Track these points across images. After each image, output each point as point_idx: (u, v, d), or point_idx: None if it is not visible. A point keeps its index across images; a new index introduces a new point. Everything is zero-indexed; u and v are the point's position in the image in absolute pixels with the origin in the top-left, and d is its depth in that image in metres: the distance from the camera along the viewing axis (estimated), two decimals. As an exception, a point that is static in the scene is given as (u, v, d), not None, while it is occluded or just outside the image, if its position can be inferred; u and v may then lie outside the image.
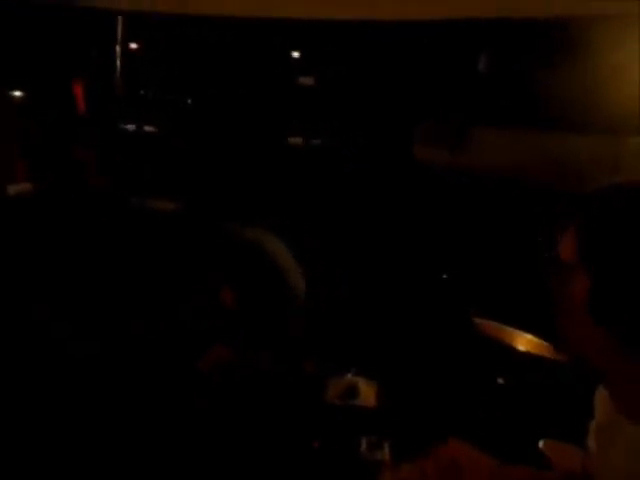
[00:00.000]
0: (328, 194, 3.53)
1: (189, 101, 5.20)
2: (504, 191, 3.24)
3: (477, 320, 1.93)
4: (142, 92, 4.98)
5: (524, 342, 1.81)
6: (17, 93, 3.95)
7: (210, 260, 1.63)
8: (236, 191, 3.69)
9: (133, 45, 5.93)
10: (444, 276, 2.33)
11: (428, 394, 1.77)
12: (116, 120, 4.73)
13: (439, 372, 1.88)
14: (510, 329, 1.86)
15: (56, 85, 3.99)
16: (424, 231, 3.07)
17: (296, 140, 5.90)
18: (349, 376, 1.69)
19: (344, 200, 3.49)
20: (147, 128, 5.22)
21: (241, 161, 4.47)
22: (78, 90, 4.19)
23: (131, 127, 4.90)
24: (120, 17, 4.26)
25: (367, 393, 1.60)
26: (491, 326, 1.87)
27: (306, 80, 6.25)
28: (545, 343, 1.76)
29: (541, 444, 1.79)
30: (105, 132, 4.27)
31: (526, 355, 1.71)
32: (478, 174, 3.25)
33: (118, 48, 4.37)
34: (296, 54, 6.15)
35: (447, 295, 2.29)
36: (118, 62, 4.44)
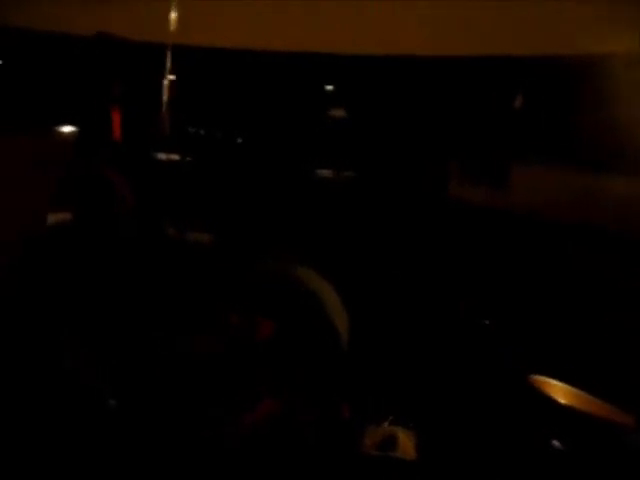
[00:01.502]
0: (360, 227, 3.48)
1: (224, 133, 5.25)
2: (540, 231, 3.16)
3: (533, 378, 1.81)
4: (182, 123, 5.05)
5: (587, 403, 1.66)
6: (65, 129, 4.01)
7: (250, 297, 1.59)
8: (269, 224, 3.67)
9: (172, 77, 6.04)
10: (486, 322, 2.24)
11: (473, 449, 1.68)
12: (152, 148, 4.78)
13: (486, 427, 1.79)
14: (575, 390, 1.73)
15: (96, 114, 4.05)
16: (461, 272, 2.99)
17: (326, 173, 5.90)
18: (386, 425, 1.62)
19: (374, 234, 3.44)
20: (183, 158, 5.27)
21: (273, 193, 4.46)
22: (116, 116, 4.25)
23: (168, 156, 4.95)
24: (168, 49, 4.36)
25: (406, 444, 1.53)
26: (552, 385, 1.74)
27: (338, 112, 6.29)
28: (615, 408, 1.63)
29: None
30: (139, 158, 4.31)
31: (588, 417, 1.58)
32: (515, 213, 3.18)
33: (165, 79, 4.44)
34: (329, 87, 6.21)
35: (490, 344, 2.20)
36: (164, 92, 4.52)
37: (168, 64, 4.25)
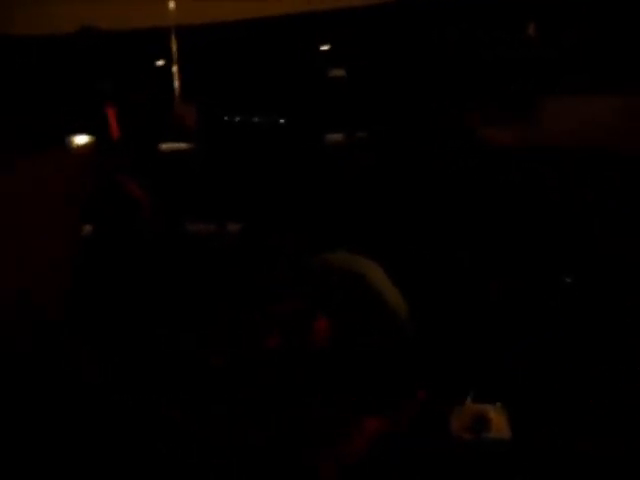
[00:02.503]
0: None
1: (230, 114, 5.07)
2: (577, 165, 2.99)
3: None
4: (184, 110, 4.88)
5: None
6: (79, 140, 3.86)
7: (304, 290, 1.47)
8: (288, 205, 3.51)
9: (160, 62, 5.83)
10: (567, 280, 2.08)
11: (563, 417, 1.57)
12: (155, 141, 4.63)
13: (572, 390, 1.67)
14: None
15: (94, 116, 3.91)
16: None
17: (336, 137, 5.69)
18: (470, 403, 1.50)
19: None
20: (185, 146, 5.11)
21: (287, 169, 4.30)
22: (111, 115, 4.09)
23: (177, 147, 4.79)
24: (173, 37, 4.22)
25: (499, 422, 1.42)
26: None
27: (337, 72, 6.03)
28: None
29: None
30: (141, 154, 4.17)
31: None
32: (549, 146, 3.00)
33: (174, 67, 4.29)
34: (325, 47, 5.95)
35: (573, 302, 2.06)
36: (175, 80, 4.38)
37: (173, 46, 4.08)
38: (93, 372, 1.75)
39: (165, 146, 4.93)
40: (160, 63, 5.10)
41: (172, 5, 4.23)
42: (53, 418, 1.59)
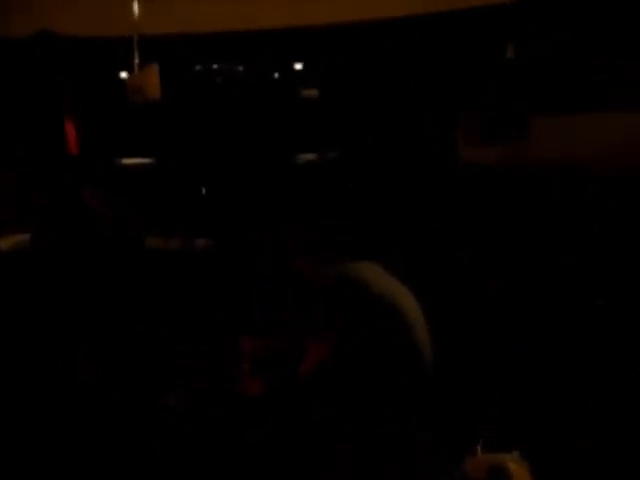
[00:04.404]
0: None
1: (195, 127, 4.85)
2: (564, 187, 2.87)
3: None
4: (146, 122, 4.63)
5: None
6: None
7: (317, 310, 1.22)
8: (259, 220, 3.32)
9: (123, 74, 5.59)
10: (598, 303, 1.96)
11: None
12: (113, 155, 4.40)
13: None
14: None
15: (48, 125, 3.66)
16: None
17: (308, 156, 5.53)
18: (479, 451, 1.28)
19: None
20: (145, 160, 4.88)
21: (254, 186, 4.11)
22: (70, 129, 3.87)
23: (131, 161, 4.55)
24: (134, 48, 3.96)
25: (520, 476, 1.20)
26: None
27: (310, 92, 5.91)
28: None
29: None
30: (103, 169, 3.95)
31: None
32: (537, 168, 2.88)
33: (125, 76, 4.04)
34: (298, 65, 5.82)
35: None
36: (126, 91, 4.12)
37: (135, 58, 3.84)
38: (89, 371, 1.73)
39: (127, 160, 4.68)
40: (123, 74, 4.83)
41: (136, 11, 3.96)
42: (48, 418, 1.58)
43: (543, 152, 2.95)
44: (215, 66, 4.93)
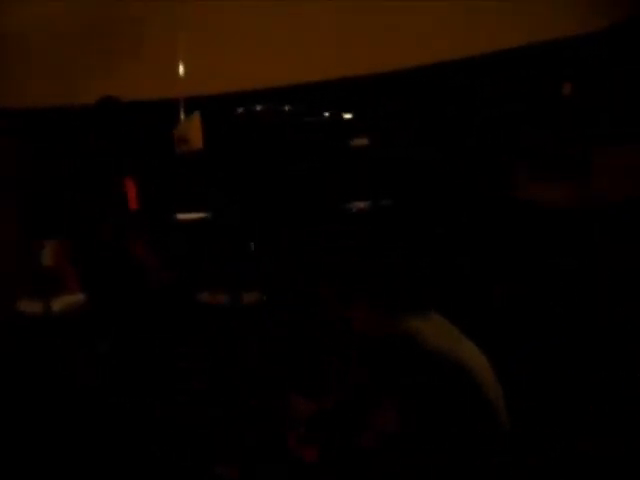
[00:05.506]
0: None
1: (244, 183, 4.89)
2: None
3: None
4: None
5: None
6: None
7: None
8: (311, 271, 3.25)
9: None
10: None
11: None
12: (171, 211, 4.49)
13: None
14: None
15: (107, 184, 3.78)
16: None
17: (359, 205, 5.48)
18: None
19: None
20: (200, 215, 4.94)
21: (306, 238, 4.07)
22: (130, 187, 3.99)
23: (187, 216, 4.62)
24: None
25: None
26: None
27: (360, 141, 5.91)
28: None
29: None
30: (159, 223, 4.02)
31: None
32: (603, 203, 2.72)
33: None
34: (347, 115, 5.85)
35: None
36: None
37: (181, 114, 3.98)
38: (89, 375, 1.74)
39: (183, 215, 4.76)
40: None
41: (182, 74, 4.12)
42: (49, 420, 1.61)
43: (609, 186, 2.78)
44: (261, 114, 5.01)
